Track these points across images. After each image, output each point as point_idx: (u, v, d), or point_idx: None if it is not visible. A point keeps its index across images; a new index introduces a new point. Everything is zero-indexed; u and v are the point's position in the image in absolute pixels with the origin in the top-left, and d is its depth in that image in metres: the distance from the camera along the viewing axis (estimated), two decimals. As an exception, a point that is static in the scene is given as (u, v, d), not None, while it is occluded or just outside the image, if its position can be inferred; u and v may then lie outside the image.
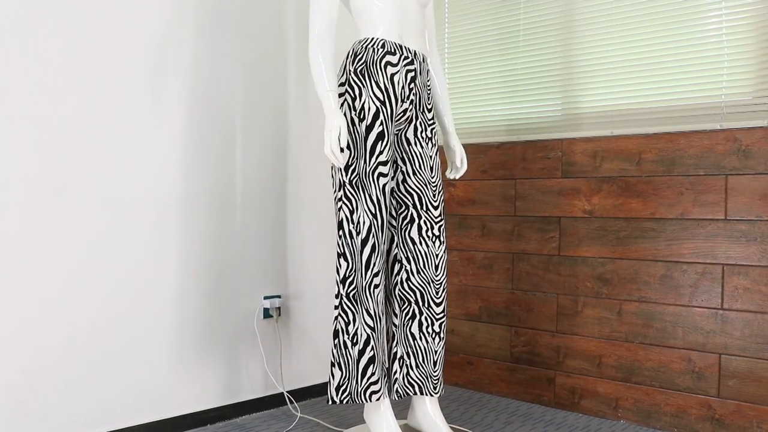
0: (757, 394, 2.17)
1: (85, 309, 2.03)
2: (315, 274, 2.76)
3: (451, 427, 2.29)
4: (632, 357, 2.44)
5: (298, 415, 2.48)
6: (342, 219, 1.99)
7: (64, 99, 1.98)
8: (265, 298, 2.55)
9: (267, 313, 2.54)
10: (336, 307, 2.00)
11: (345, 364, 1.99)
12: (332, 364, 2.01)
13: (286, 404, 2.62)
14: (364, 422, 2.41)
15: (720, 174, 2.25)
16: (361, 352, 1.97)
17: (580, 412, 2.56)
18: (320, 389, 2.77)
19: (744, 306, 2.20)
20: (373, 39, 2.01)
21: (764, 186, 2.16)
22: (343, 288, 1.98)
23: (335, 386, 2.00)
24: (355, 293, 1.98)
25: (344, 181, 1.98)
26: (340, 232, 1.99)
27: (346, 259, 1.98)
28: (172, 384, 2.26)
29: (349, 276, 1.98)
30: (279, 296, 2.59)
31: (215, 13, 2.37)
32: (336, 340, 2.00)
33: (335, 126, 1.89)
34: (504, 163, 2.80)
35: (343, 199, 1.99)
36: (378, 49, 2.00)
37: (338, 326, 2.00)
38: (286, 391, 2.63)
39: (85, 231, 2.03)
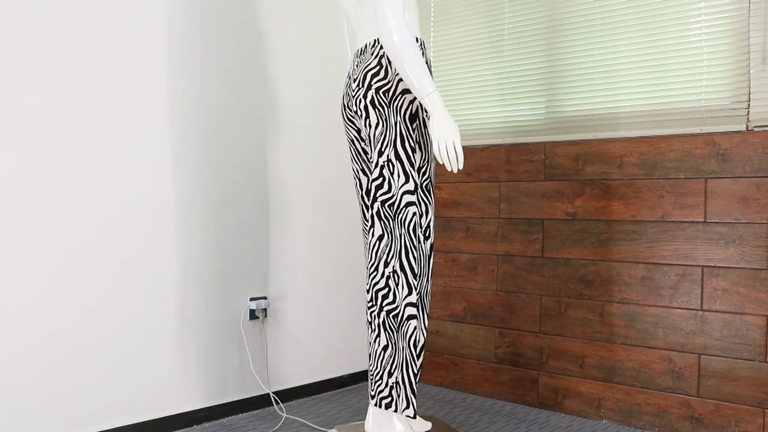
0: (735, 393, 2.21)
1: (73, 310, 2.04)
2: (301, 276, 2.77)
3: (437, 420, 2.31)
4: (614, 357, 2.47)
5: (284, 415, 2.50)
6: (414, 224, 1.93)
7: (60, 103, 1.99)
8: (252, 299, 2.56)
9: (253, 315, 2.56)
10: (411, 318, 1.93)
11: (410, 378, 1.95)
12: (408, 386, 1.95)
13: (272, 405, 2.63)
14: (347, 422, 2.42)
15: (699, 177, 2.29)
16: (417, 357, 1.95)
17: (563, 412, 2.60)
18: (306, 390, 2.78)
19: (723, 307, 2.24)
20: (419, 39, 1.96)
21: (742, 189, 2.21)
22: (417, 295, 1.93)
23: (412, 405, 1.95)
24: (418, 299, 1.95)
25: (417, 184, 1.93)
26: (414, 237, 1.94)
27: (419, 265, 1.94)
28: (158, 385, 2.27)
29: (417, 282, 1.94)
30: (265, 297, 2.61)
31: (202, 21, 2.38)
32: (415, 351, 1.93)
33: (454, 133, 1.80)
34: (488, 165, 2.83)
35: (416, 202, 1.93)
36: (425, 51, 1.98)
37: (417, 337, 1.93)
38: (272, 392, 2.64)
39: (74, 233, 2.04)
